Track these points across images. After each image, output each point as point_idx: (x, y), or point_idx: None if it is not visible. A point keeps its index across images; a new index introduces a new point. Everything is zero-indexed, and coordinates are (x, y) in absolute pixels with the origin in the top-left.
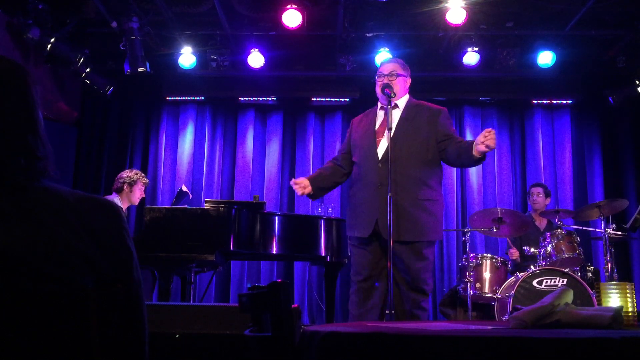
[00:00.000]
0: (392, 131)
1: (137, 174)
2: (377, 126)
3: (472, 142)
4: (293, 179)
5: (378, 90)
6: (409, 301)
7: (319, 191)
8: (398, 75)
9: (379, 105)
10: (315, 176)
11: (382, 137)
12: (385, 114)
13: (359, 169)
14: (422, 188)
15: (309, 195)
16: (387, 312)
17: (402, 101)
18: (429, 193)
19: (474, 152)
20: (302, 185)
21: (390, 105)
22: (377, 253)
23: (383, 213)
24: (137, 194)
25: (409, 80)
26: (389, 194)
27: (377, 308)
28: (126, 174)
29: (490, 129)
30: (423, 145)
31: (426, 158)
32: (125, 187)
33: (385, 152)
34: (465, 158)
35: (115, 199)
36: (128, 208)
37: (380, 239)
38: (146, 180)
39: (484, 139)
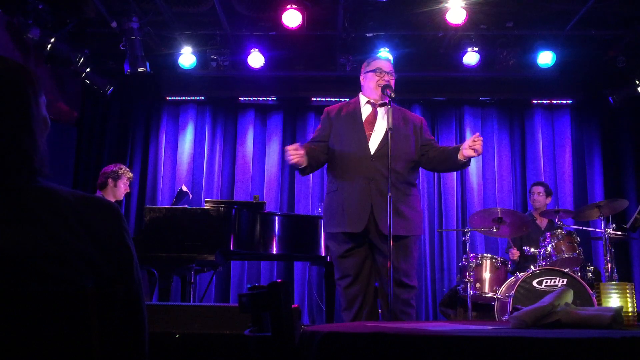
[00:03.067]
0: (385, 129)
1: (121, 169)
2: (364, 119)
3: (457, 147)
4: (288, 146)
5: (372, 84)
6: (399, 299)
7: (310, 168)
8: (393, 74)
9: (364, 99)
10: (309, 150)
11: (371, 131)
12: (375, 110)
13: (346, 162)
14: (407, 185)
15: (300, 169)
16: (379, 311)
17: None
18: (412, 189)
19: (460, 157)
20: (299, 154)
21: (390, 105)
22: (364, 251)
23: (376, 207)
24: (122, 189)
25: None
26: (389, 194)
27: (368, 310)
28: (110, 168)
29: (478, 134)
30: (411, 146)
31: (412, 158)
32: (109, 181)
33: (378, 147)
34: (450, 163)
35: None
36: (120, 205)
37: (370, 235)
38: (130, 174)
39: (472, 144)
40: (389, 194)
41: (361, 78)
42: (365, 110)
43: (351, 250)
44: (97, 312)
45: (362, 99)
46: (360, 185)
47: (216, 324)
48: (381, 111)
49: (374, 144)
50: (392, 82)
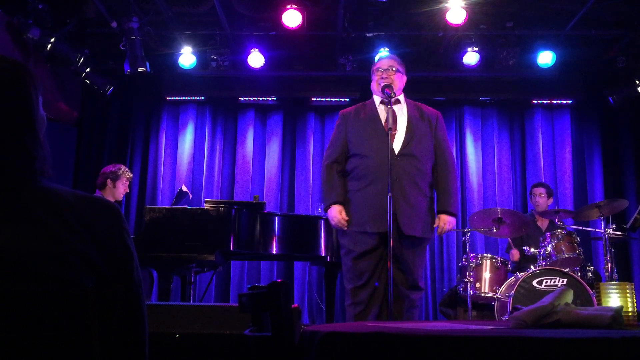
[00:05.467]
0: (405, 125)
1: (120, 169)
2: (383, 121)
3: (439, 207)
4: (336, 223)
5: (375, 86)
6: (406, 300)
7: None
8: (397, 70)
9: (377, 99)
10: (342, 194)
11: (395, 131)
12: (388, 112)
13: (368, 162)
14: (427, 184)
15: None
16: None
17: (402, 98)
18: (431, 190)
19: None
20: (345, 219)
21: (391, 104)
22: (379, 252)
23: (399, 208)
24: (121, 189)
25: (405, 78)
26: (393, 193)
27: (376, 310)
28: (109, 169)
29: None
30: (430, 142)
31: (431, 155)
32: (108, 182)
33: (401, 146)
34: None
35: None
36: (120, 205)
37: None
38: (130, 175)
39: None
40: (389, 194)
41: (372, 80)
42: (382, 111)
43: (368, 251)
44: (97, 312)
45: (376, 99)
46: (384, 186)
47: (216, 324)
48: (396, 109)
49: (397, 144)
50: (397, 77)
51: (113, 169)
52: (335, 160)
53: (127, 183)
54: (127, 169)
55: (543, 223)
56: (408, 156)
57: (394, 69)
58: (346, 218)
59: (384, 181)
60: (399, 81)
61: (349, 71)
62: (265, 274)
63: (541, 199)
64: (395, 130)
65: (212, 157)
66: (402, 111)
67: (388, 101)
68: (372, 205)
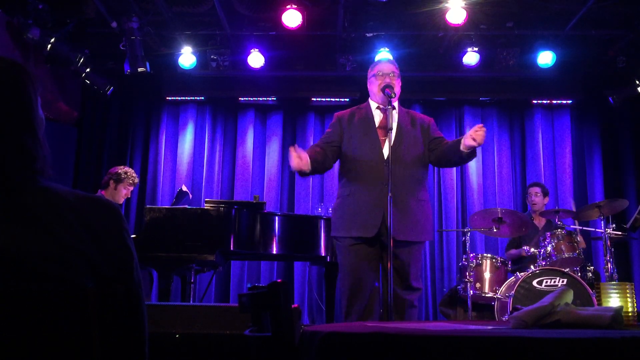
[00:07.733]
0: (394, 131)
1: (126, 173)
2: (377, 125)
3: (459, 140)
4: (294, 147)
5: (375, 88)
6: (403, 302)
7: (312, 173)
8: (397, 76)
9: (374, 104)
10: (314, 154)
11: (385, 137)
12: (386, 114)
13: (360, 168)
14: (421, 189)
15: (301, 172)
16: (381, 310)
17: (396, 104)
18: (425, 194)
19: (462, 147)
20: (304, 161)
21: (390, 105)
22: (374, 255)
23: (388, 213)
24: (122, 193)
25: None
26: (391, 194)
27: (369, 311)
28: (115, 170)
29: (481, 124)
30: (420, 148)
31: (423, 161)
32: (111, 183)
33: (390, 151)
34: (453, 154)
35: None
36: (120, 205)
37: (381, 239)
38: (135, 180)
39: (473, 133)
40: (389, 195)
41: (368, 84)
42: (377, 115)
43: (359, 254)
44: (97, 312)
45: (372, 104)
46: (374, 190)
47: (216, 324)
48: (391, 115)
49: (387, 149)
50: (396, 82)
51: (118, 171)
52: (318, 145)
53: (131, 188)
54: (133, 175)
55: (540, 222)
56: (398, 161)
57: (396, 74)
58: (305, 161)
59: (375, 186)
60: (398, 86)
61: (349, 71)
62: (265, 274)
63: (537, 198)
64: (384, 135)
65: (212, 157)
66: (396, 117)
67: (388, 101)
68: (360, 211)
